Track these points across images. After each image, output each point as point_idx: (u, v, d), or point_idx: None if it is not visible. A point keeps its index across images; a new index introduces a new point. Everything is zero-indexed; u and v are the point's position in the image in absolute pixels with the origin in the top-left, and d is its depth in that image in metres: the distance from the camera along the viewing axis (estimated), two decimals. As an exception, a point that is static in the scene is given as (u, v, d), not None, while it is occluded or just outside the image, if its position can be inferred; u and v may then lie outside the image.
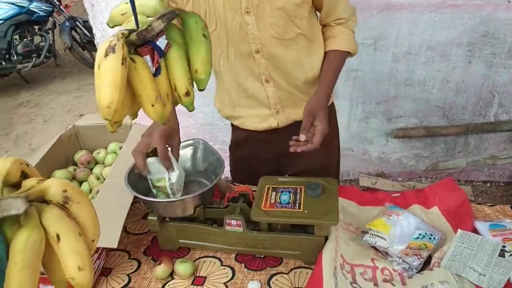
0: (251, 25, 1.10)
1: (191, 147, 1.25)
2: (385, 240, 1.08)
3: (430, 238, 1.09)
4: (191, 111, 0.84)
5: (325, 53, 1.24)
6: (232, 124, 1.41)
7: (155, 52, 0.76)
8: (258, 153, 1.38)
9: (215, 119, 2.47)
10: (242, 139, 1.38)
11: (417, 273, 1.02)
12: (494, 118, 2.27)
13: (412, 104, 2.31)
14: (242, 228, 1.06)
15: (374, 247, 1.10)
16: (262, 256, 1.11)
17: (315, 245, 1.04)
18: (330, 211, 1.02)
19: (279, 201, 1.08)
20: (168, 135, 1.10)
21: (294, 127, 1.20)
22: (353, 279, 1.00)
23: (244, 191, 1.14)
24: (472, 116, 2.30)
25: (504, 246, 1.03)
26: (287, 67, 1.19)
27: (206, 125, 2.49)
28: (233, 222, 1.06)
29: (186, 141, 1.24)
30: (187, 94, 0.80)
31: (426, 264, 1.06)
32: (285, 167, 1.42)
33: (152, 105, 0.75)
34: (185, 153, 1.24)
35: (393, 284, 1.00)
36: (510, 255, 1.01)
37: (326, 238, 1.05)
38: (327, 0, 1.17)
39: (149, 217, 1.10)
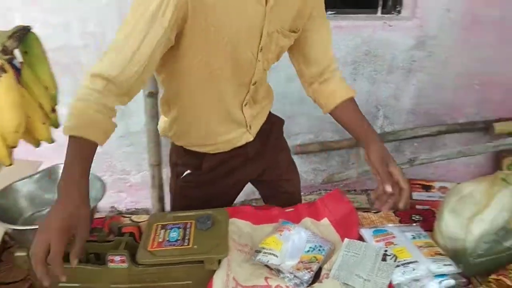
0: (261, 62, 1.14)
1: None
2: (277, 257, 1.08)
3: (319, 250, 1.12)
4: (58, 127, 0.78)
5: (347, 101, 1.28)
6: (188, 153, 1.32)
7: (16, 72, 0.70)
8: (233, 169, 1.36)
9: (112, 148, 2.35)
10: (214, 164, 1.33)
11: (307, 286, 1.03)
12: (380, 130, 2.46)
13: (307, 121, 2.42)
14: (127, 263, 0.99)
15: (267, 266, 1.10)
16: (153, 290, 1.05)
17: (207, 273, 1.00)
18: (219, 244, 1.01)
19: (167, 239, 1.03)
20: (72, 226, 0.81)
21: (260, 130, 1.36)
22: (246, 302, 0.98)
23: (131, 231, 1.07)
24: (361, 129, 2.46)
25: (386, 250, 1.09)
26: (259, 89, 1.28)
27: (102, 155, 2.35)
28: (117, 258, 0.99)
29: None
30: (54, 110, 0.75)
31: (318, 276, 1.08)
32: (255, 173, 1.45)
33: (44, 123, 0.70)
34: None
35: (286, 301, 1.00)
36: (391, 258, 1.07)
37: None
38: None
39: (16, 254, 0.96)
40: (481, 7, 2.15)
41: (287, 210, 1.32)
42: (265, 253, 1.09)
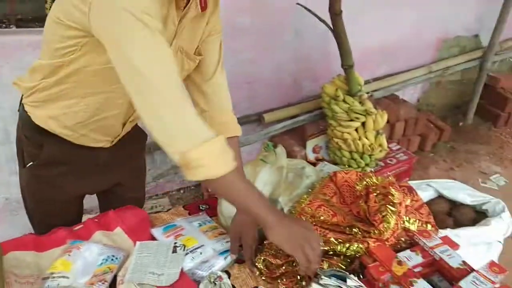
0: None
1: None
2: (68, 278, 1.05)
3: (113, 259, 1.13)
4: None
5: (234, 139, 1.29)
6: (32, 136, 1.21)
7: None
8: (78, 164, 1.26)
9: None
10: (62, 153, 1.22)
11: (104, 298, 1.04)
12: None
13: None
14: None
15: (58, 290, 1.05)
16: None
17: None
18: None
19: None
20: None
21: None
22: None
23: None
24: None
25: (175, 243, 1.18)
26: None
27: None
28: None
29: None
30: None
31: (115, 285, 1.09)
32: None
33: None
34: None
35: (81, 320, 0.98)
36: (180, 249, 1.16)
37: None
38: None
39: None
40: (236, 16, 2.46)
41: (75, 229, 1.27)
42: (54, 277, 1.04)
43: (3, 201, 2.19)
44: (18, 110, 1.27)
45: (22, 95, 1.23)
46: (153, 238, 1.25)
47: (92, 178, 1.32)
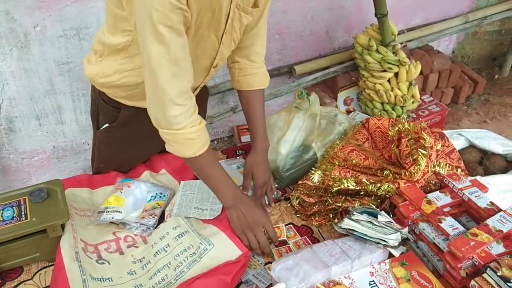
0: (225, 44, 1.12)
1: None
2: (121, 212, 1.16)
3: (160, 196, 1.23)
4: None
5: (260, 90, 1.32)
6: (111, 105, 1.26)
7: None
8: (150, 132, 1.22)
9: None
10: (131, 115, 1.26)
11: (154, 229, 1.15)
12: (203, 85, 2.62)
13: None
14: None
15: (113, 222, 1.17)
16: (-2, 274, 1.02)
17: (52, 241, 1.03)
18: (58, 210, 1.03)
19: (1, 219, 1.01)
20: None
21: None
22: (98, 257, 1.04)
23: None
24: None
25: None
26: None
27: None
28: None
29: None
30: None
31: (163, 219, 1.20)
32: None
33: None
34: None
35: (136, 247, 1.10)
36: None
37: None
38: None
39: None
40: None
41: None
42: (108, 211, 1.15)
43: (51, 149, 2.34)
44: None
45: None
46: (195, 179, 1.34)
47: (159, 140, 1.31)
